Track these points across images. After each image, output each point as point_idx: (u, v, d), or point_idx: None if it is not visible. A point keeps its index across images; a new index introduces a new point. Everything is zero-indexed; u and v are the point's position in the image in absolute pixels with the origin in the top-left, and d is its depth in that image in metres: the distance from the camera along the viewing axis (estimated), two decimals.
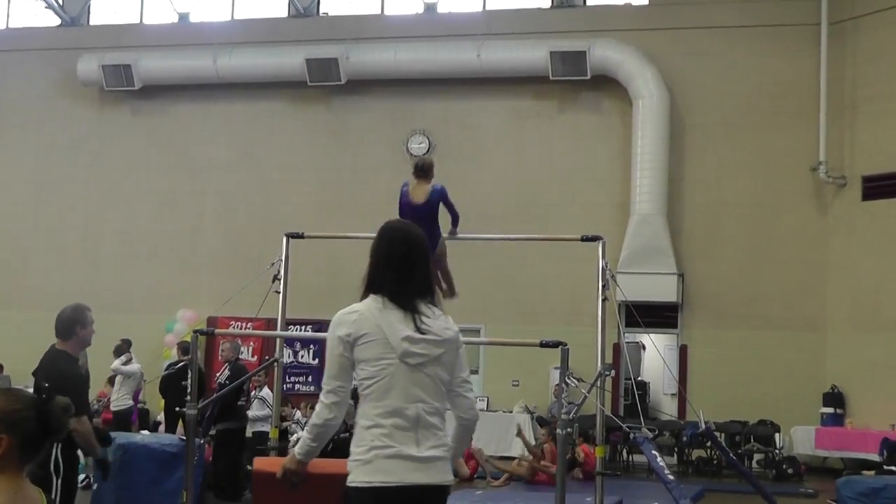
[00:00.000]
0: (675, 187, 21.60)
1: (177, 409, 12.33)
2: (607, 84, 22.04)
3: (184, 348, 15.80)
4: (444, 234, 10.61)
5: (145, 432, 15.20)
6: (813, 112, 21.01)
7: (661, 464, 11.78)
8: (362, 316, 4.56)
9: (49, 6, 25.17)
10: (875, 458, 18.05)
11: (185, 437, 10.59)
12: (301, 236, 11.05)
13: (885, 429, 18.88)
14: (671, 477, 11.69)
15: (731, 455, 15.70)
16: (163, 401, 16.12)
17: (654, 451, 11.98)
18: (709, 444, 18.55)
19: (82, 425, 7.16)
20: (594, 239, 10.43)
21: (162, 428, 17.39)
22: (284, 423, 16.30)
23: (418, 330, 4.53)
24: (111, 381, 17.82)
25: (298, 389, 22.21)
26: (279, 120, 23.83)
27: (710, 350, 21.08)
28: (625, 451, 19.82)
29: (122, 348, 17.79)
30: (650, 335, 18.42)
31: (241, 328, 20.51)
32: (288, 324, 11.22)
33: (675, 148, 21.60)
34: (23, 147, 25.02)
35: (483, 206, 20.10)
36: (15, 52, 25.27)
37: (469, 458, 15.66)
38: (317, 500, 6.40)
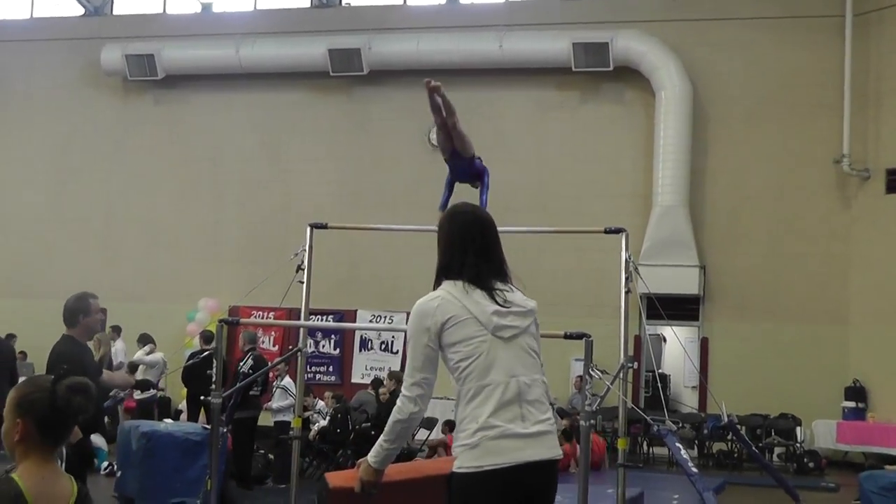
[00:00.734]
0: (697, 179, 21.54)
1: (201, 397, 12.39)
2: (630, 75, 21.99)
3: (206, 337, 15.87)
4: None
5: (168, 421, 15.26)
6: (837, 104, 20.90)
7: (685, 456, 11.75)
8: (444, 300, 4.44)
9: None
10: None
11: (207, 426, 10.61)
12: (325, 227, 11.02)
13: None
14: (695, 469, 11.67)
15: (754, 448, 15.65)
16: (185, 389, 16.18)
17: (677, 444, 11.95)
18: (730, 436, 18.49)
19: None
20: (618, 231, 10.38)
21: (184, 416, 17.46)
22: (306, 413, 16.35)
23: (503, 304, 4.46)
24: (132, 369, 17.90)
25: (320, 379, 22.28)
26: (301, 110, 23.86)
27: (732, 343, 21.02)
28: (645, 443, 19.81)
29: (146, 338, 17.92)
30: (672, 327, 18.37)
31: (262, 317, 20.57)
32: (309, 313, 11.20)
33: (697, 139, 21.54)
34: (46, 136, 25.14)
35: (505, 197, 19.94)
36: (39, 41, 25.40)
37: None
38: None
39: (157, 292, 23.60)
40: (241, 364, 14.54)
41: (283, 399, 16.14)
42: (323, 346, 22.89)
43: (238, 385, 12.46)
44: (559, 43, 21.84)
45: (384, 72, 23.04)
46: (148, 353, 18.06)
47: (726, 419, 13.88)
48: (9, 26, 26.15)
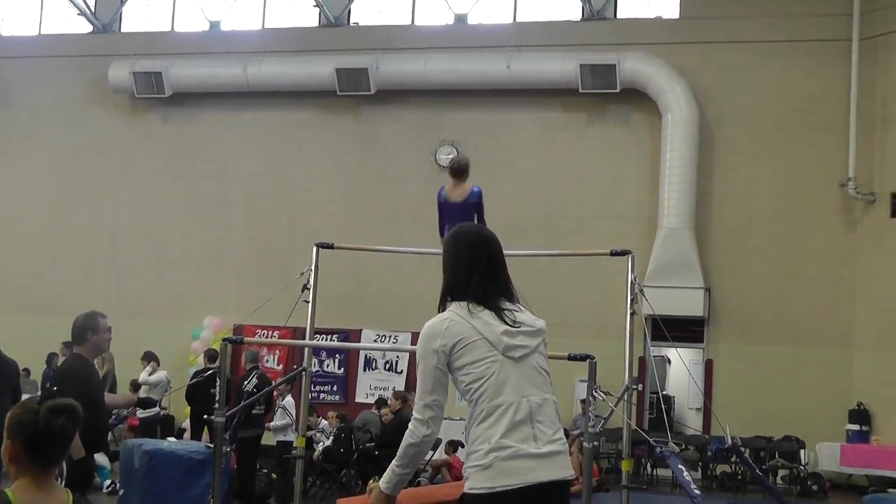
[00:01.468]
0: (703, 201, 21.54)
1: (205, 416, 12.39)
2: (636, 97, 22.02)
3: (211, 356, 15.86)
4: None
5: (172, 439, 15.25)
6: (842, 128, 20.93)
7: (688, 478, 11.74)
8: (453, 322, 4.39)
9: (81, 13, 25.38)
10: None
11: (211, 445, 10.61)
12: (331, 247, 11.04)
13: None
14: (697, 491, 11.65)
15: (757, 470, 15.62)
16: (188, 408, 16.16)
17: (680, 466, 11.94)
18: (734, 458, 18.45)
19: None
20: (623, 253, 10.40)
21: (187, 435, 17.45)
22: (309, 432, 16.32)
23: (513, 323, 4.43)
24: (135, 388, 17.87)
25: (323, 399, 22.24)
26: (308, 129, 23.90)
27: (736, 365, 20.98)
28: (648, 464, 19.77)
29: (150, 355, 17.95)
30: (676, 349, 18.34)
31: (266, 336, 20.54)
32: (314, 332, 11.21)
33: (703, 162, 21.55)
34: (53, 153, 25.18)
35: (511, 218, 20.07)
36: (47, 58, 25.46)
37: None
38: None
39: (162, 309, 23.61)
40: (245, 383, 14.51)
41: (282, 419, 16.11)
42: (327, 366, 22.84)
43: (242, 404, 12.45)
44: (566, 64, 21.87)
45: (392, 91, 23.08)
46: (151, 373, 18.10)
47: (730, 441, 13.89)
48: (17, 42, 26.24)
